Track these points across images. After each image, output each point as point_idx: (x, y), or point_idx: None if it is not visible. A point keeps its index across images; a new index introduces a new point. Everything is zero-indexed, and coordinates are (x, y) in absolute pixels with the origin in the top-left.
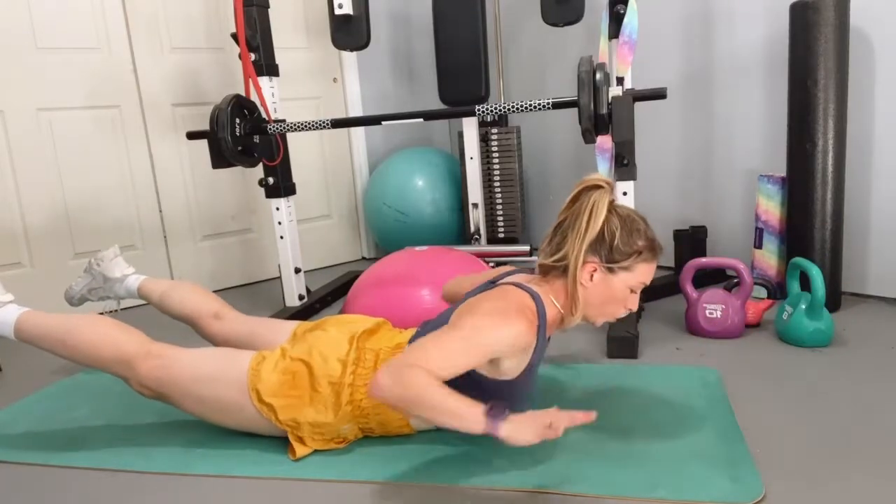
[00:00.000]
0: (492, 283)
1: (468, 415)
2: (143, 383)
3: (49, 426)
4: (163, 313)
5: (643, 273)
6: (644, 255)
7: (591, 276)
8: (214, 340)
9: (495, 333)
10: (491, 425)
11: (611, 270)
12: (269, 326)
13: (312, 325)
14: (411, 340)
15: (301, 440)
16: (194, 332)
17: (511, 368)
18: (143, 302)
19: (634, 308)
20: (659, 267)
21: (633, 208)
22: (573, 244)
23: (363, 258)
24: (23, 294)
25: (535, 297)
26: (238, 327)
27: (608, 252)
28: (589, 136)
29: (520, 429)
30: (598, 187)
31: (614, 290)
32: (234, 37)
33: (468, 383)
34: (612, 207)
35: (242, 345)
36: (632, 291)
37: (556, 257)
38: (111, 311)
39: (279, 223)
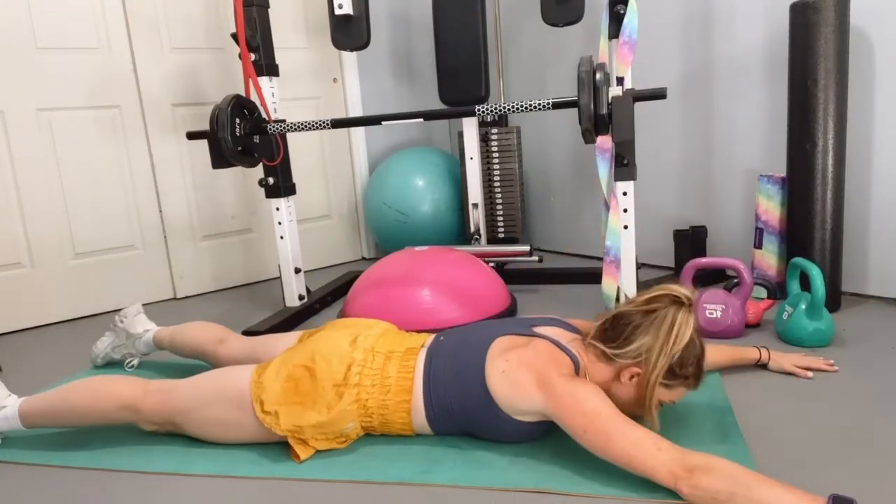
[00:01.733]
0: (530, 327)
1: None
2: (150, 420)
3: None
4: (178, 355)
5: (678, 394)
6: (689, 381)
7: (632, 378)
8: (222, 364)
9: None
10: None
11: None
12: (270, 341)
13: (315, 330)
14: (430, 348)
15: (303, 442)
16: (208, 365)
17: (533, 418)
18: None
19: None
20: (659, 267)
21: (697, 331)
22: (655, 360)
23: (363, 258)
24: (23, 294)
25: (575, 361)
26: (241, 345)
27: None
28: (589, 136)
29: None
30: (682, 304)
31: (643, 399)
32: (234, 37)
33: (489, 414)
34: None
35: (246, 362)
36: (659, 404)
37: (619, 352)
38: (131, 367)
39: (279, 223)
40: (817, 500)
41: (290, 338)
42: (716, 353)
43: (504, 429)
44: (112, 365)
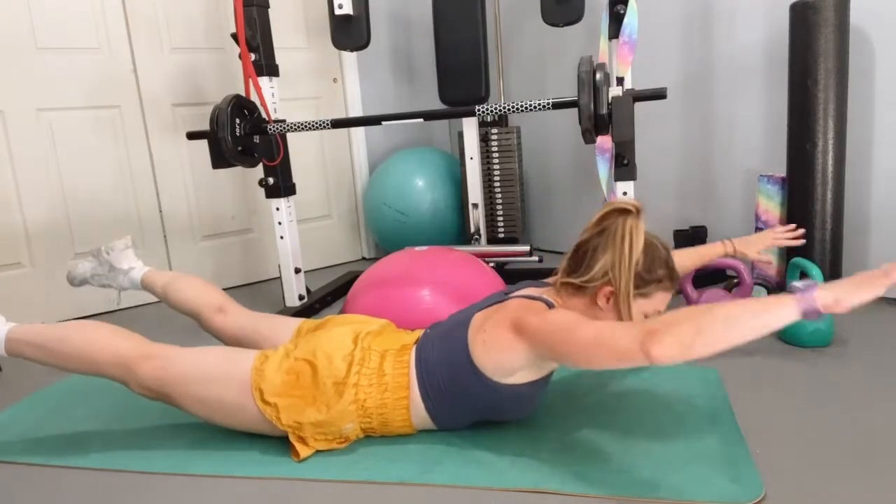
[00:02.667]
0: (503, 294)
1: (776, 307)
2: (143, 385)
3: (49, 426)
4: (166, 304)
5: (660, 301)
6: (664, 283)
7: (608, 299)
8: (218, 335)
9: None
10: (807, 303)
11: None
12: (273, 323)
13: (316, 323)
14: (420, 341)
15: (303, 440)
16: (198, 325)
17: (524, 375)
18: (144, 301)
19: None
20: None
21: (655, 235)
22: (619, 272)
23: (363, 258)
24: (23, 294)
25: (550, 306)
26: (242, 322)
27: None
28: (589, 136)
29: (853, 290)
30: (629, 212)
31: (623, 314)
32: (234, 37)
33: (478, 386)
34: None
35: (246, 341)
36: (646, 317)
37: (585, 278)
38: (112, 311)
39: (279, 223)
40: (781, 298)
41: (292, 324)
42: (689, 257)
43: (501, 400)
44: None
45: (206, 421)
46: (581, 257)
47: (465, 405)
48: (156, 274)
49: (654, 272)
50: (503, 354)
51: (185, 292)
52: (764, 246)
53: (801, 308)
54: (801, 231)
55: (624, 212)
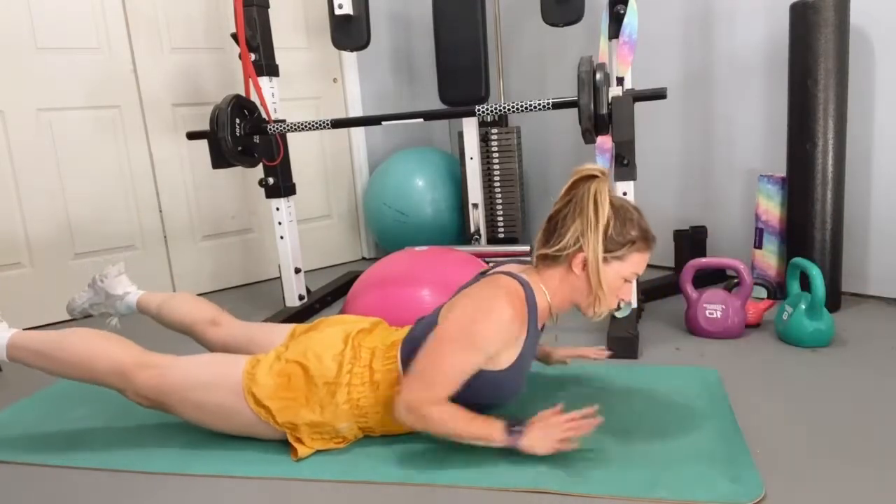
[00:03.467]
0: (482, 275)
1: (490, 435)
2: (140, 393)
3: (49, 426)
4: (162, 325)
5: (636, 263)
6: (637, 244)
7: (583, 266)
8: (212, 347)
9: (484, 331)
10: (511, 440)
11: (604, 260)
12: (266, 330)
13: (309, 326)
14: (406, 338)
15: (300, 441)
16: (193, 341)
17: (502, 360)
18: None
19: (627, 298)
20: (659, 267)
21: (626, 198)
22: (588, 237)
23: (363, 258)
24: (23, 294)
25: (525, 286)
26: (235, 332)
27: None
28: (589, 136)
29: (538, 444)
30: (594, 177)
31: (607, 280)
32: (234, 37)
33: None
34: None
35: (240, 350)
36: (625, 281)
37: (557, 246)
38: (111, 327)
39: (279, 223)
40: (495, 425)
41: (284, 329)
42: None
43: (479, 385)
44: (90, 320)
45: (206, 427)
46: (553, 227)
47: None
48: (150, 296)
49: (626, 234)
50: None
51: (179, 310)
52: (569, 354)
53: (507, 444)
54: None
55: (590, 177)
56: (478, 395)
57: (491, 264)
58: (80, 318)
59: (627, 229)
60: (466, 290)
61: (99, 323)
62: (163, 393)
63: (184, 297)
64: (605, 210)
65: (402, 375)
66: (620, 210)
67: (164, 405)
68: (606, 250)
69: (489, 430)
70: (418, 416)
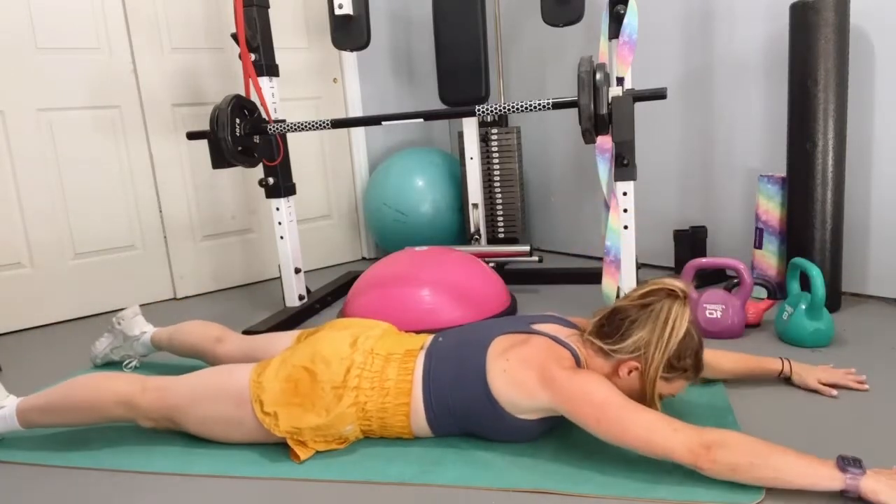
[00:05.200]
0: (528, 325)
1: (824, 478)
2: (148, 416)
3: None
4: (176, 355)
5: (678, 387)
6: (688, 373)
7: (630, 372)
8: (220, 363)
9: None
10: (851, 480)
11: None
12: (269, 340)
13: (314, 330)
14: (431, 352)
15: (303, 443)
16: (205, 364)
17: (542, 413)
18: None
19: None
20: (659, 267)
21: (693, 323)
22: (652, 354)
23: (363, 258)
24: (23, 294)
25: (576, 357)
26: (239, 344)
27: None
28: (589, 136)
29: (887, 487)
30: (677, 297)
31: (644, 393)
32: (234, 37)
33: (489, 411)
34: None
35: (244, 361)
36: (660, 398)
37: (615, 347)
38: (129, 368)
39: (279, 223)
40: (826, 463)
41: (288, 337)
42: (734, 360)
43: (507, 428)
44: (112, 365)
45: (213, 439)
46: (617, 325)
47: (467, 423)
48: (161, 330)
49: (683, 360)
50: (523, 395)
51: (187, 336)
52: (828, 380)
53: (846, 487)
54: (864, 378)
55: (672, 294)
56: (500, 434)
57: (535, 320)
58: (101, 364)
59: (685, 357)
60: (538, 350)
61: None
62: (169, 411)
63: (191, 323)
64: (680, 335)
65: (429, 391)
66: (686, 336)
67: (174, 423)
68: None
69: (818, 467)
70: (713, 462)
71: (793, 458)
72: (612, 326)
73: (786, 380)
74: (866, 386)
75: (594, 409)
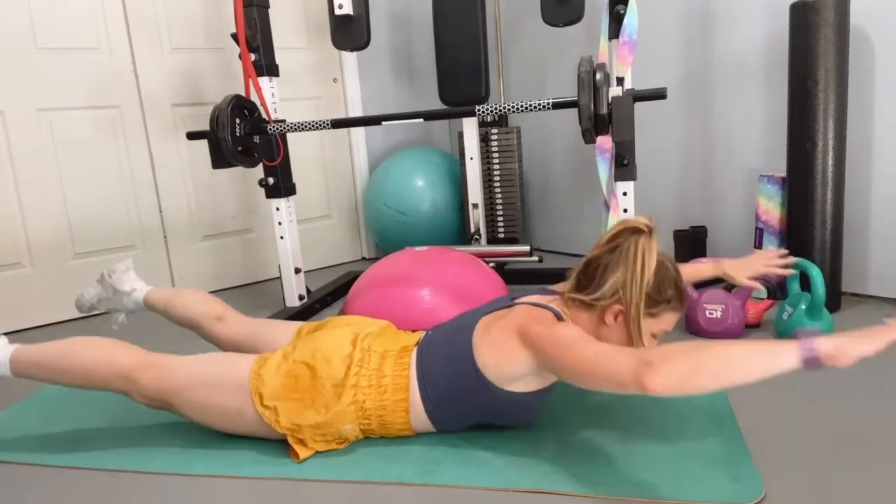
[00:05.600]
0: (509, 300)
1: (777, 353)
2: (144, 394)
3: (49, 426)
4: (168, 320)
5: (668, 321)
6: (673, 304)
7: (616, 317)
8: (218, 343)
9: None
10: (809, 350)
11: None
12: (272, 327)
13: (315, 325)
14: (423, 346)
15: (302, 442)
16: (199, 336)
17: (530, 384)
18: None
19: None
20: None
21: (666, 254)
22: (630, 292)
23: (363, 258)
24: (23, 294)
25: (558, 317)
26: (241, 329)
27: None
28: (589, 136)
29: (850, 340)
30: (642, 231)
31: (632, 333)
32: (235, 37)
33: (480, 390)
34: None
35: (245, 346)
36: (652, 337)
37: (595, 295)
38: (117, 325)
39: (279, 223)
40: (783, 343)
41: (290, 327)
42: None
43: (500, 405)
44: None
45: (209, 426)
46: (591, 274)
47: (465, 408)
48: (156, 292)
49: (663, 292)
50: (507, 360)
51: (185, 305)
52: (754, 272)
53: (802, 356)
54: (792, 260)
55: (637, 231)
56: (495, 412)
57: (518, 295)
58: (88, 312)
59: (666, 288)
60: (516, 315)
61: (105, 322)
62: (167, 393)
63: (191, 292)
64: (652, 268)
65: (424, 382)
66: (661, 268)
67: (169, 405)
68: (644, 307)
69: (775, 347)
70: (669, 372)
71: (738, 346)
72: (588, 277)
73: (718, 279)
74: (791, 259)
75: (560, 350)
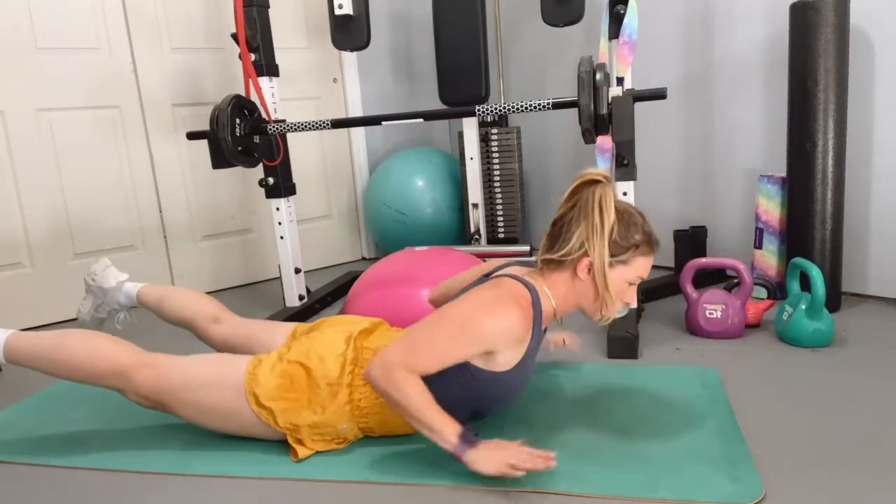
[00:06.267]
0: (486, 277)
1: (443, 432)
2: (139, 393)
3: (49, 426)
4: (161, 319)
5: (640, 267)
6: (641, 248)
7: (588, 270)
8: (213, 343)
9: (488, 324)
10: (459, 448)
11: (609, 265)
12: (267, 328)
13: (310, 326)
14: None
15: (301, 442)
16: (193, 336)
17: (506, 361)
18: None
19: (633, 303)
20: (659, 267)
21: (630, 203)
22: (593, 242)
23: (363, 258)
24: (23, 294)
25: (531, 288)
26: (236, 330)
27: None
28: (589, 136)
29: (485, 460)
30: (598, 181)
31: (613, 284)
32: (235, 37)
33: (461, 374)
34: None
35: (241, 347)
36: (630, 285)
37: (562, 251)
38: (121, 325)
39: (279, 223)
40: (454, 427)
41: (286, 329)
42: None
43: (482, 386)
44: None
45: (205, 427)
46: (558, 232)
47: (451, 395)
48: (150, 289)
49: (629, 238)
50: None
51: (180, 304)
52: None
53: (453, 452)
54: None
55: (593, 182)
56: (479, 395)
57: (494, 265)
58: (96, 327)
59: (632, 233)
60: (473, 290)
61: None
62: (162, 392)
63: (185, 291)
64: (611, 215)
65: None
66: (624, 214)
67: (164, 405)
68: (611, 255)
69: (444, 425)
70: (387, 377)
71: (433, 411)
72: (555, 237)
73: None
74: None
75: (434, 317)
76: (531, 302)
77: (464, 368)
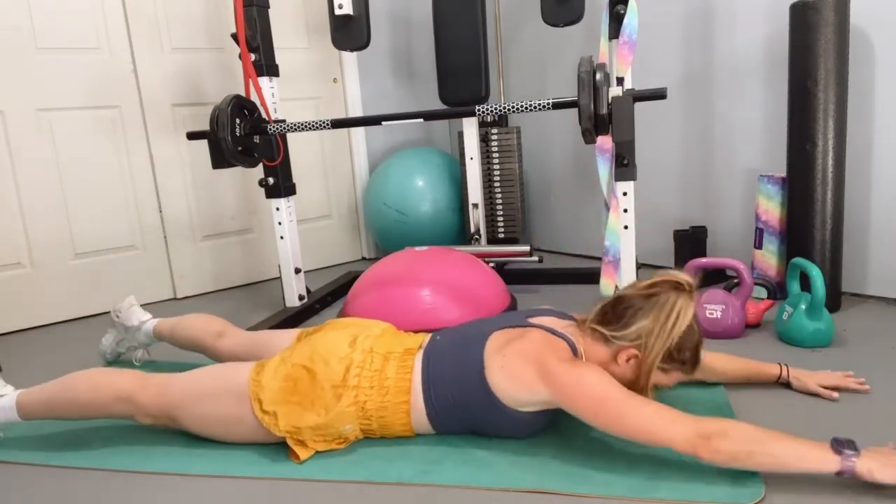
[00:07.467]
0: (524, 318)
1: (820, 461)
2: (147, 413)
3: (49, 426)
4: (177, 347)
5: (673, 378)
6: (685, 367)
7: (628, 360)
8: (221, 358)
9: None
10: (845, 464)
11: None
12: (272, 337)
13: (314, 329)
14: (428, 350)
15: (302, 443)
16: (206, 358)
17: (535, 407)
18: None
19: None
20: (659, 267)
21: (697, 316)
22: (653, 344)
23: (363, 258)
24: (23, 294)
25: (573, 348)
26: (240, 339)
27: None
28: (589, 136)
29: (886, 467)
30: (683, 290)
31: (640, 381)
32: (235, 37)
33: (486, 409)
34: None
35: (245, 357)
36: (655, 388)
37: (617, 334)
38: (139, 361)
39: (279, 223)
40: (822, 446)
41: (289, 335)
42: (733, 363)
43: (507, 422)
44: (124, 362)
45: (212, 438)
46: (620, 313)
47: (469, 418)
48: (163, 322)
49: (682, 353)
50: (521, 389)
51: (188, 329)
52: (829, 383)
53: (842, 468)
54: (863, 380)
55: (678, 287)
56: (501, 429)
57: (532, 314)
58: (113, 360)
59: (685, 350)
60: (534, 343)
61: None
62: (169, 407)
63: (193, 316)
64: (683, 328)
65: (429, 387)
66: (689, 331)
67: (173, 419)
68: (660, 361)
69: (808, 448)
70: (713, 450)
71: (789, 443)
72: (615, 314)
73: (785, 385)
74: (867, 387)
75: (593, 403)
76: (571, 355)
77: (492, 402)
